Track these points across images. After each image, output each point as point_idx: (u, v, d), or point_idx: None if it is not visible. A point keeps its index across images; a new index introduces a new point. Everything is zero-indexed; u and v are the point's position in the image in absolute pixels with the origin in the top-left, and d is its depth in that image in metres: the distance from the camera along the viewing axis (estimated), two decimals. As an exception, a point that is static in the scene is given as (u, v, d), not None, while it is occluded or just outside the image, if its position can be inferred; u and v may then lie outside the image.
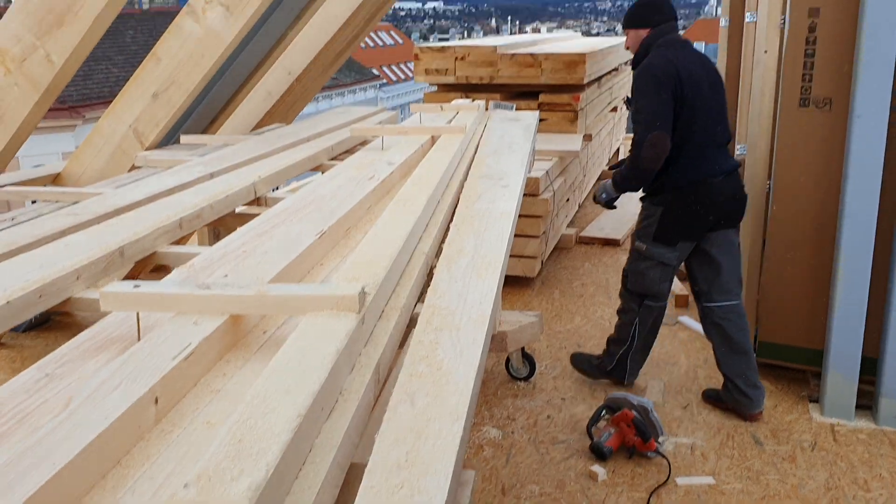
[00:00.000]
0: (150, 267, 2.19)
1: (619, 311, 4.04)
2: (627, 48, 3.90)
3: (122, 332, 1.54)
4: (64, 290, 1.85)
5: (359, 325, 1.44)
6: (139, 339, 1.50)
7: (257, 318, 1.60)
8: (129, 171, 4.18)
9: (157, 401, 1.21)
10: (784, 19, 3.92)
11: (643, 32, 3.76)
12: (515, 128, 3.96)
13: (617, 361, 4.03)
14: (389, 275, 1.72)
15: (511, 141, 3.57)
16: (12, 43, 3.63)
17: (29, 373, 1.38)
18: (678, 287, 5.28)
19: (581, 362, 4.20)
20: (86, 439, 1.05)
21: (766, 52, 4.15)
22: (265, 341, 1.53)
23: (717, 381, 4.15)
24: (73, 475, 1.02)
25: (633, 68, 3.86)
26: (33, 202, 3.27)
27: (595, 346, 4.55)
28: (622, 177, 3.80)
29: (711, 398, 3.91)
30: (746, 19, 4.70)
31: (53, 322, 4.79)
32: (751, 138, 4.43)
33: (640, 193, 3.84)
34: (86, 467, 1.04)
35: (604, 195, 3.97)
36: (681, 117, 3.56)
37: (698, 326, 4.73)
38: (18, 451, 1.02)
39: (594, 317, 5.05)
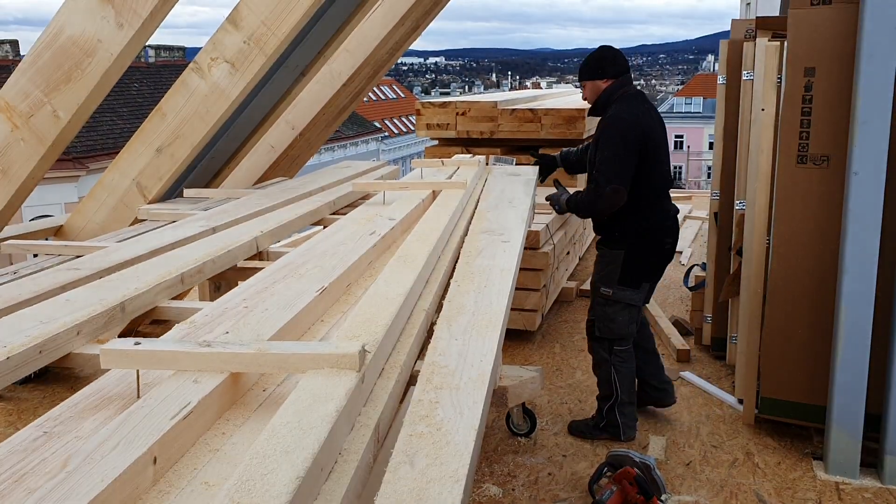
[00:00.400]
0: (150, 319, 2.19)
1: (594, 367, 4.14)
2: (585, 99, 4.17)
3: (121, 390, 1.54)
4: (64, 346, 1.85)
5: (358, 384, 1.44)
6: (139, 396, 1.49)
7: (257, 375, 1.60)
8: (132, 224, 4.21)
9: (155, 461, 1.21)
10: (780, 78, 3.99)
11: (602, 84, 4.01)
12: (516, 182, 4.00)
13: (606, 418, 4.07)
14: (389, 332, 1.72)
15: (512, 196, 3.60)
16: (20, 99, 3.69)
17: (27, 431, 1.37)
18: (679, 342, 5.26)
19: (577, 428, 4.20)
20: (82, 503, 1.04)
21: (763, 109, 4.20)
22: (265, 399, 1.53)
23: (719, 437, 4.12)
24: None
25: (590, 114, 4.21)
26: (35, 255, 3.29)
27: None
28: (577, 205, 4.08)
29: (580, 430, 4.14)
30: (743, 77, 4.77)
31: (52, 374, 4.76)
32: (749, 194, 4.46)
33: (597, 240, 4.11)
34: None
35: (556, 206, 4.26)
36: (642, 169, 3.82)
37: (701, 382, 4.72)
38: (14, 515, 1.01)
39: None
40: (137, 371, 1.51)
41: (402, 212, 2.94)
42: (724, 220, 5.02)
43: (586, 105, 4.28)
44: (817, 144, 3.70)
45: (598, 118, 4.07)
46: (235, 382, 1.50)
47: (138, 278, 2.32)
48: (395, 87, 46.52)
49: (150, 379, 1.55)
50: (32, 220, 4.37)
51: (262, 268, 2.41)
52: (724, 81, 5.23)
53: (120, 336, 1.97)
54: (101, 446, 1.20)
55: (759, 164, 4.25)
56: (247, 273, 2.57)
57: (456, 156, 4.94)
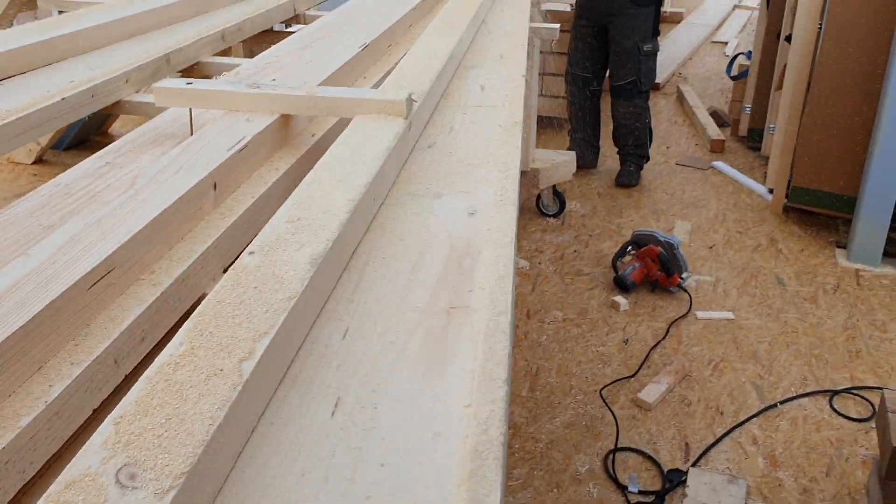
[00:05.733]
0: (195, 75, 2.20)
1: (635, 121, 4.56)
2: None
3: (175, 129, 1.59)
4: (114, 92, 1.88)
5: (405, 130, 1.47)
6: (192, 134, 1.54)
7: (306, 121, 1.63)
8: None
9: (215, 186, 1.27)
10: None
11: None
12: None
13: (647, 155, 4.71)
14: (435, 86, 1.73)
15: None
16: None
17: (90, 161, 1.44)
18: (715, 133, 5.22)
19: (627, 178, 4.64)
20: (152, 213, 1.12)
21: None
22: (313, 143, 1.57)
23: (745, 223, 4.19)
24: (142, 245, 1.09)
25: None
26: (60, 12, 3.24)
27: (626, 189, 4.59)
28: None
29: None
30: None
31: (92, 142, 4.87)
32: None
33: (622, 4, 4.38)
34: (153, 238, 1.11)
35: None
36: None
37: (733, 172, 4.74)
38: (93, 221, 1.09)
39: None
40: (190, 109, 1.55)
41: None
42: (776, 5, 4.79)
43: None
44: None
45: None
46: (286, 125, 1.54)
47: (179, 33, 2.31)
48: None
49: (202, 121, 1.59)
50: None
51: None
52: None
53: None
54: (164, 170, 1.26)
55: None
56: (283, 37, 2.54)
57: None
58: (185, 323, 0.87)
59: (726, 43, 7.46)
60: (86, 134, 4.77)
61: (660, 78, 6.45)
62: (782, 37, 4.56)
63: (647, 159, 4.72)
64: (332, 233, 1.05)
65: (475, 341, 0.94)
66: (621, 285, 3.55)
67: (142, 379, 0.78)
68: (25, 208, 1.25)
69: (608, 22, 4.45)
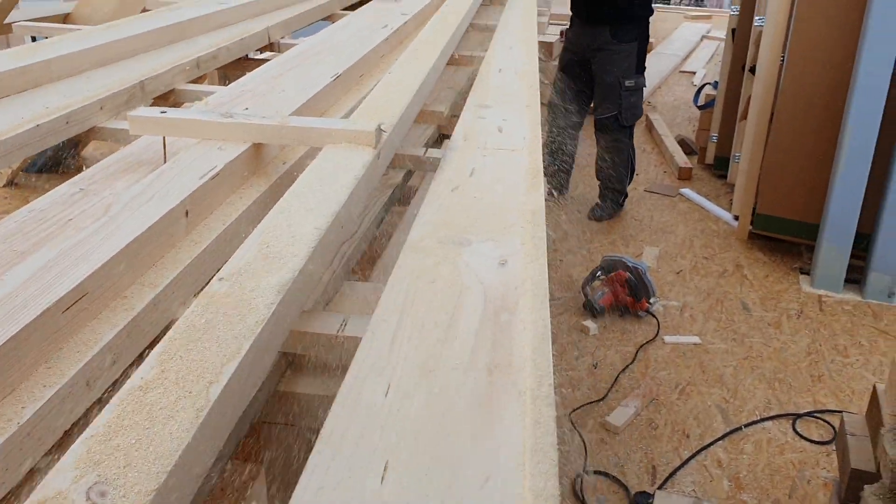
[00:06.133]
0: (169, 103, 2.23)
1: (615, 156, 4.57)
2: None
3: (149, 156, 1.62)
4: (89, 119, 1.91)
5: (374, 160, 1.52)
6: (164, 161, 1.57)
7: (277, 149, 1.67)
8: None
9: (187, 213, 1.31)
10: None
11: None
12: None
13: (625, 192, 4.72)
14: (404, 116, 1.78)
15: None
16: None
17: (64, 187, 1.46)
18: (683, 160, 5.32)
19: (601, 213, 4.67)
20: (125, 240, 1.15)
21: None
22: (284, 171, 1.61)
23: (712, 249, 4.28)
24: (115, 271, 1.12)
25: None
26: (45, 38, 3.27)
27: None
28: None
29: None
30: None
31: (65, 166, 4.86)
32: (770, 9, 4.35)
33: (605, 40, 4.40)
34: (126, 265, 1.14)
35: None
36: None
37: (700, 199, 4.83)
38: (67, 247, 1.12)
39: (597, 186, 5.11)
40: (164, 137, 1.58)
41: (416, 7, 2.91)
42: (741, 38, 4.93)
43: None
44: (846, -43, 3.57)
45: None
46: (258, 153, 1.58)
47: (154, 60, 2.35)
48: None
49: (175, 148, 1.62)
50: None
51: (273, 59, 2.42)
52: None
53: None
54: (138, 197, 1.29)
55: (782, -22, 4.11)
56: (258, 64, 2.58)
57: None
58: (156, 347, 0.90)
59: (694, 73, 7.62)
60: (58, 157, 4.76)
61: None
62: (747, 68, 4.68)
63: (625, 196, 4.71)
64: (299, 261, 1.09)
65: (522, 406, 0.91)
66: (591, 310, 3.60)
67: (113, 401, 0.81)
68: (-1, 234, 1.28)
69: (591, 56, 4.46)
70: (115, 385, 1.05)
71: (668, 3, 13.97)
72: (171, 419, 0.79)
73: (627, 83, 4.42)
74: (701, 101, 5.46)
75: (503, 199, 1.48)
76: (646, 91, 6.86)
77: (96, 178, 1.51)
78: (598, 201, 4.70)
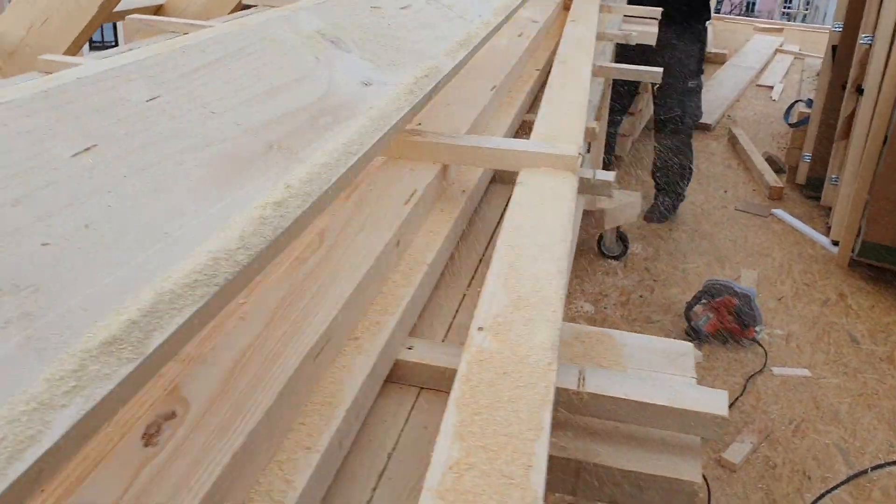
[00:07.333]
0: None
1: (673, 154, 4.55)
2: None
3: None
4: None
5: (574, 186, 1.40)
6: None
7: (455, 171, 1.56)
8: (234, 10, 4.07)
9: (398, 243, 1.20)
10: None
11: None
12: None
13: (683, 194, 4.70)
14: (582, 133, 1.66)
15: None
16: None
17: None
18: (773, 179, 5.14)
19: (656, 214, 4.62)
20: (355, 277, 1.05)
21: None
22: (465, 198, 1.50)
23: (812, 276, 4.11)
24: (350, 312, 1.01)
25: None
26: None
27: (686, 228, 4.51)
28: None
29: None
30: None
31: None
32: (883, 27, 4.16)
33: (671, 40, 4.32)
34: (356, 304, 1.04)
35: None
36: None
37: (794, 221, 4.66)
38: (296, 281, 1.02)
39: (686, 201, 4.96)
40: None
41: (544, 13, 2.79)
42: (842, 55, 4.74)
43: None
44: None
45: None
46: (444, 175, 1.47)
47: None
48: None
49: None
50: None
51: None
52: None
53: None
54: (349, 225, 1.19)
55: (905, -4, 3.93)
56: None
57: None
58: (448, 417, 0.79)
59: (772, 87, 7.41)
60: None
61: (710, 119, 6.40)
62: (849, 87, 4.50)
63: (682, 198, 4.70)
64: (557, 314, 0.97)
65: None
66: (694, 336, 3.46)
67: (429, 485, 0.70)
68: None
69: (654, 56, 4.35)
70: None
71: (718, 12, 13.69)
72: (502, 511, 0.68)
73: (691, 84, 4.47)
74: (793, 119, 5.28)
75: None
76: (724, 104, 6.70)
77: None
78: (656, 202, 4.67)
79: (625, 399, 1.03)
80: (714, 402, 1.05)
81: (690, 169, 4.66)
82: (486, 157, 1.43)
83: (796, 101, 5.46)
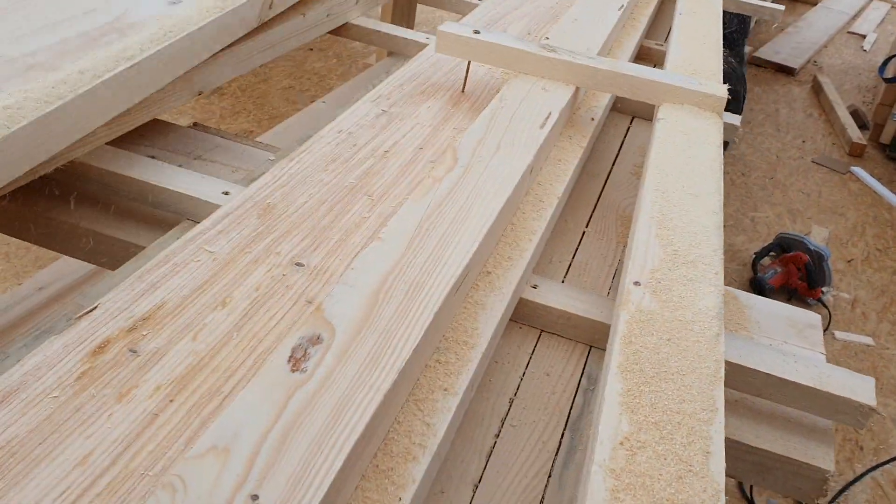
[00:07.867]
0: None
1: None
2: None
3: (439, 78, 1.41)
4: (344, 14, 1.70)
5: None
6: (463, 90, 1.37)
7: (583, 95, 1.45)
8: None
9: (531, 170, 1.11)
10: None
11: None
12: None
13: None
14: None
15: None
16: None
17: (363, 107, 1.27)
18: (856, 135, 4.90)
19: None
20: (495, 205, 0.96)
21: None
22: (593, 127, 1.39)
23: (885, 241, 3.96)
24: (486, 244, 0.93)
25: None
26: None
27: (759, 175, 4.34)
28: None
29: None
30: None
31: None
32: None
33: None
34: (492, 235, 0.95)
35: None
36: None
37: (873, 182, 4.46)
38: (432, 203, 0.93)
39: (761, 147, 4.76)
40: (469, 63, 1.37)
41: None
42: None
43: None
44: None
45: None
46: (574, 99, 1.36)
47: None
48: None
49: (478, 76, 1.41)
50: None
51: None
52: None
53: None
54: (481, 147, 1.09)
55: None
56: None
57: None
58: (609, 383, 0.72)
59: (864, 36, 7.01)
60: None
61: (795, 62, 6.09)
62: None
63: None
64: (719, 276, 0.88)
65: None
66: (759, 288, 3.35)
67: (594, 470, 0.63)
68: (315, 159, 1.10)
69: None
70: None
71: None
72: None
73: None
74: (888, 73, 4.98)
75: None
76: (812, 49, 6.36)
77: (394, 99, 1.31)
78: None
79: (767, 374, 0.95)
80: (862, 388, 0.97)
81: (745, 90, 4.41)
82: (624, 85, 1.31)
83: (893, 56, 5.14)
